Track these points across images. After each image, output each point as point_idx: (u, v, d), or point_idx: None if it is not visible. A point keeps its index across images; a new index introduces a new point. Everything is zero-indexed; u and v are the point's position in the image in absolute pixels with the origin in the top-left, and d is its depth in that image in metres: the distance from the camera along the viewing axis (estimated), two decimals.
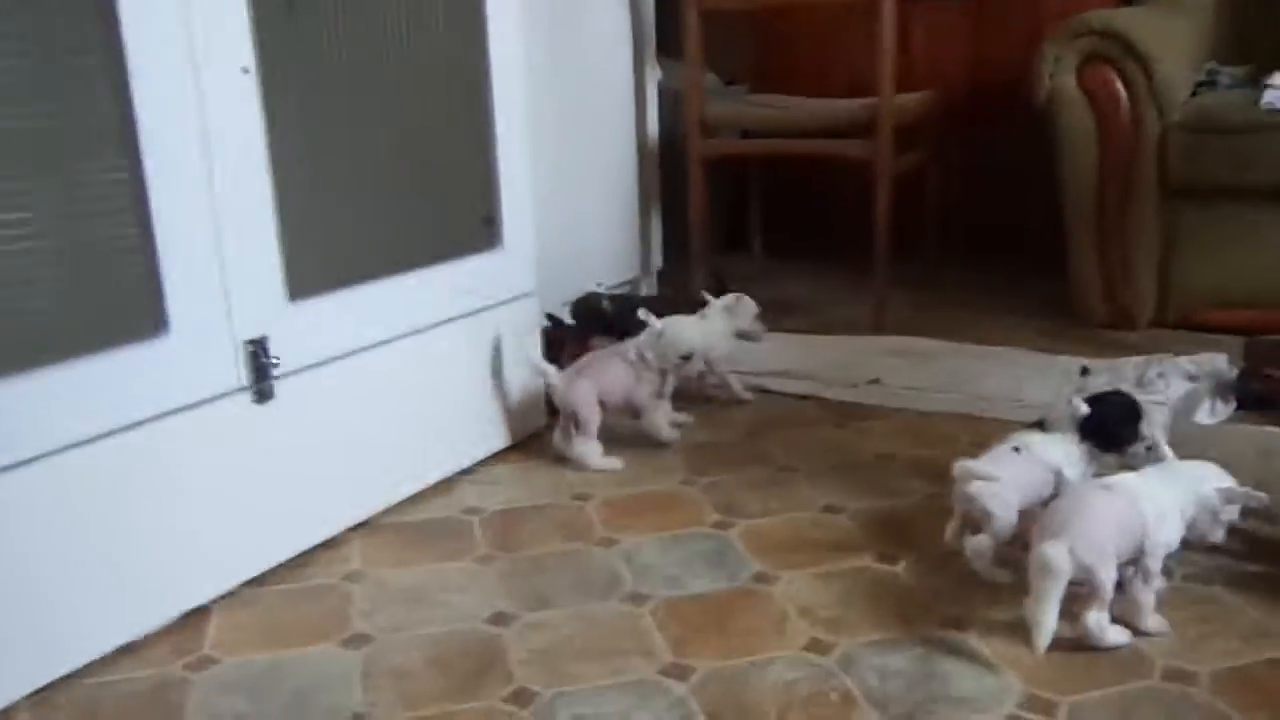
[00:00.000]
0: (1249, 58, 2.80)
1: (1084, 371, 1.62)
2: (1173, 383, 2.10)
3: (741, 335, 2.22)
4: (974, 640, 1.33)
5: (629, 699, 1.24)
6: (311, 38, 1.58)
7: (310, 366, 1.58)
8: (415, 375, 1.79)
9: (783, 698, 1.23)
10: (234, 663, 1.35)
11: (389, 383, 1.74)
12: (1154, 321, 2.62)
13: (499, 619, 1.43)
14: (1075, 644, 1.30)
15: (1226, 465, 1.42)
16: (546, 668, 1.31)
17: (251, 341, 1.48)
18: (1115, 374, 2.21)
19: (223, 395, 1.46)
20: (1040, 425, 1.60)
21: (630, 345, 1.98)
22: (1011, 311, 2.82)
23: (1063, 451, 1.51)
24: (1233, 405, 2.05)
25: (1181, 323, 2.58)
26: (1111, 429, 1.54)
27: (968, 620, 1.37)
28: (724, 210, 3.70)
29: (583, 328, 2.46)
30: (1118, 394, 1.59)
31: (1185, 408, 1.98)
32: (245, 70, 1.43)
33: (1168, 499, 1.34)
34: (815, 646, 1.33)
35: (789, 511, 1.70)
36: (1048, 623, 1.23)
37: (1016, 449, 1.51)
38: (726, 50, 3.56)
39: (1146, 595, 1.34)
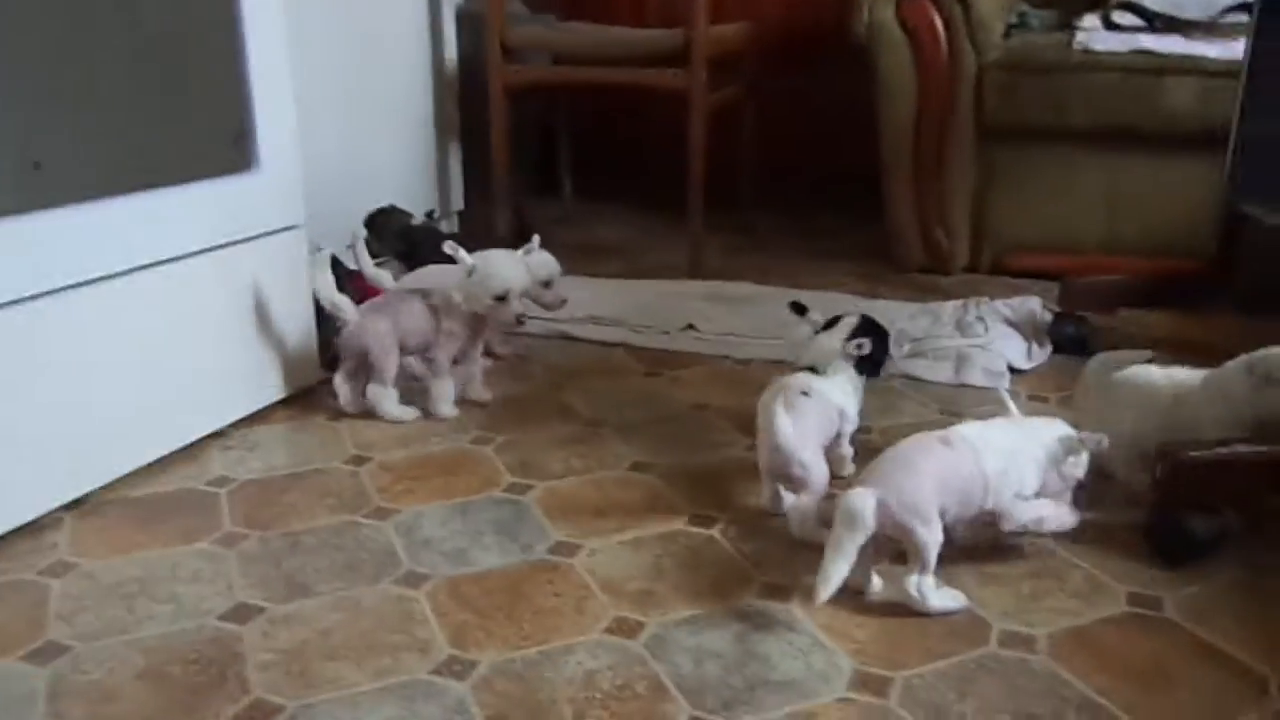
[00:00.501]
0: (1054, 2, 2.78)
1: (799, 310, 1.51)
2: (991, 326, 2.04)
3: (534, 297, 1.87)
4: (798, 612, 1.18)
5: (395, 706, 1.02)
6: None
7: (3, 304, 1.26)
8: (150, 318, 1.48)
9: (582, 693, 1.04)
10: None
11: (115, 327, 1.42)
12: (969, 266, 2.57)
13: (239, 614, 1.17)
14: (906, 610, 1.16)
15: (1139, 410, 1.38)
16: (294, 673, 1.06)
17: None
18: (934, 317, 2.14)
19: None
20: (813, 368, 1.44)
21: (434, 285, 1.73)
22: (829, 256, 2.71)
23: (842, 390, 1.43)
24: (1049, 349, 2.00)
25: (995, 267, 2.54)
26: (880, 358, 1.50)
27: (791, 589, 1.22)
28: (532, 152, 3.46)
29: (379, 246, 2.25)
30: (869, 321, 1.50)
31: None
32: None
33: (1013, 448, 1.22)
34: (621, 628, 1.14)
35: (594, 471, 1.51)
36: (833, 574, 1.11)
37: (805, 394, 1.36)
38: None
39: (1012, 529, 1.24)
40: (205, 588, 1.22)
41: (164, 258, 1.49)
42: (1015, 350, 1.95)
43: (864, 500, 1.12)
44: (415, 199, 2.54)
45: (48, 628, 1.14)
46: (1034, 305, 2.14)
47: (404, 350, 1.70)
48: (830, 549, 1.12)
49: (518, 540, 1.33)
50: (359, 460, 1.55)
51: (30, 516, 1.34)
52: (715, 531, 1.35)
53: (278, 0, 1.63)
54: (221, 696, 1.03)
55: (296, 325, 1.76)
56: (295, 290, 1.75)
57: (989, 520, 1.23)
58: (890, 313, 2.11)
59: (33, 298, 1.30)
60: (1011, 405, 1.29)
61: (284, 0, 1.64)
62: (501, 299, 1.67)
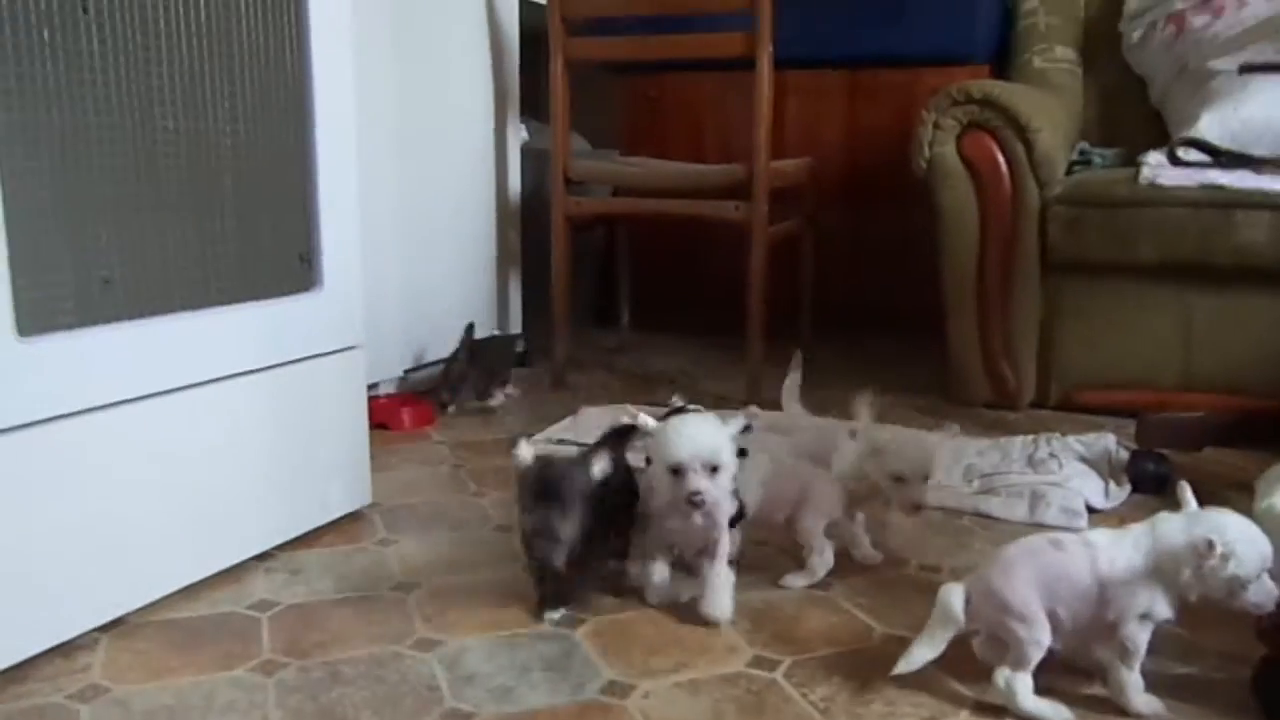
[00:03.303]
0: (1116, 141, 2.78)
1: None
2: (1066, 463, 1.95)
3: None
4: None
5: None
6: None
7: (47, 420, 1.24)
8: (198, 437, 1.46)
9: None
10: None
11: (161, 445, 1.40)
12: (1035, 401, 2.49)
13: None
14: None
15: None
16: None
17: None
18: (1003, 453, 2.06)
19: None
20: None
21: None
22: (889, 389, 2.64)
23: None
24: (1128, 488, 1.90)
25: (1064, 403, 2.46)
26: None
27: None
28: (592, 282, 3.49)
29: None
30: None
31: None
32: None
33: (1136, 558, 1.14)
34: None
35: (646, 605, 1.43)
36: (916, 657, 1.18)
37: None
38: (597, 117, 3.41)
39: (1124, 673, 1.16)
40: (238, 719, 1.15)
41: (221, 375, 1.48)
42: (1093, 489, 1.85)
43: (953, 594, 1.15)
44: (476, 324, 2.55)
45: None
46: (1109, 443, 2.05)
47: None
48: (922, 634, 1.18)
49: (568, 679, 1.25)
50: (406, 588, 1.50)
51: (65, 637, 1.30)
52: (778, 675, 1.26)
53: (350, 127, 1.67)
54: None
55: (349, 447, 1.73)
56: (350, 411, 1.73)
57: (1107, 634, 1.15)
58: (958, 447, 2.04)
59: (84, 412, 1.29)
60: (1190, 498, 1.19)
61: (355, 126, 1.68)
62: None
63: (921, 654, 1.17)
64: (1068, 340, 2.44)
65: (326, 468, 1.69)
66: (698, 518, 1.34)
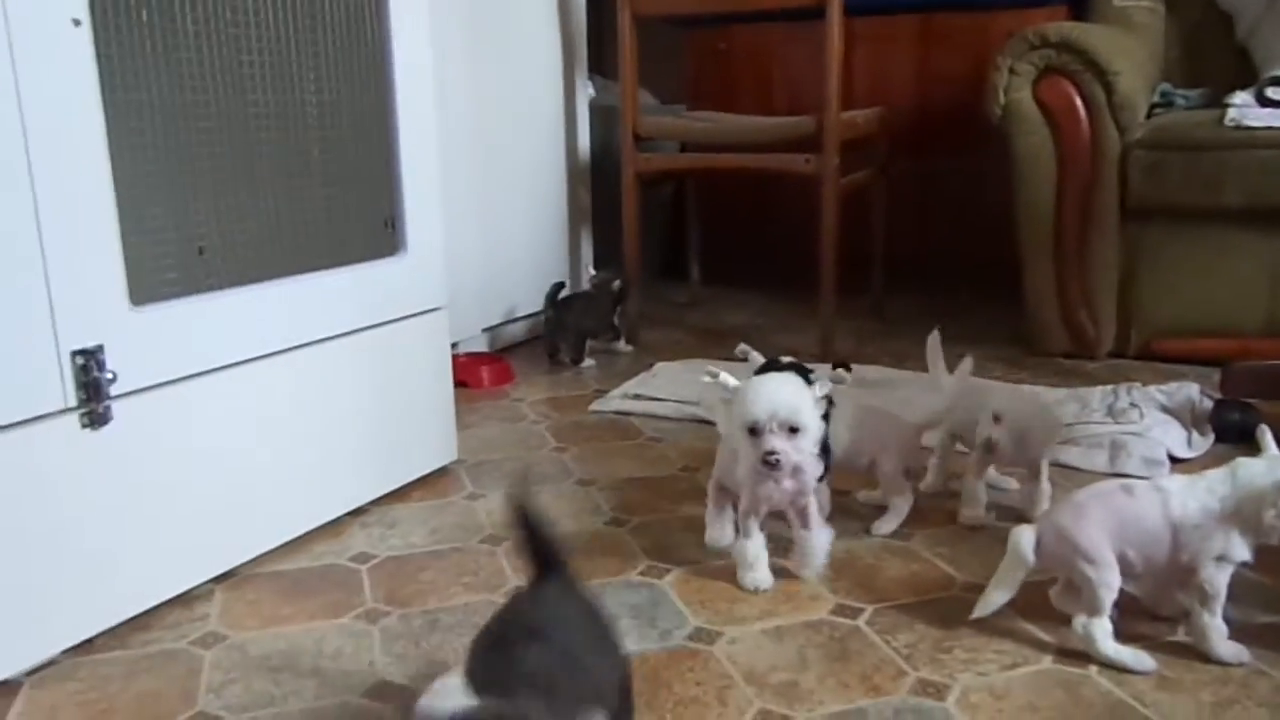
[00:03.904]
0: (1199, 81, 2.70)
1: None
2: (1147, 413, 1.93)
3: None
4: (955, 710, 1.10)
5: None
6: None
7: (159, 385, 1.32)
8: (296, 398, 1.53)
9: None
10: None
11: (263, 406, 1.47)
12: (1114, 351, 2.46)
13: (380, 692, 1.17)
14: (1077, 716, 1.08)
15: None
16: None
17: (81, 352, 1.21)
18: (1082, 403, 2.05)
19: (44, 417, 1.19)
20: None
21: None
22: (965, 340, 2.62)
23: None
24: (1211, 437, 1.88)
25: (1144, 351, 2.43)
26: None
27: (947, 687, 1.15)
28: (661, 237, 3.51)
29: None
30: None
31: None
32: (76, 22, 1.18)
33: (1211, 501, 1.14)
34: (766, 718, 1.10)
35: (729, 556, 1.47)
36: (993, 599, 1.22)
37: None
38: (664, 72, 3.40)
39: (1206, 618, 1.17)
40: (348, 663, 1.23)
41: (314, 338, 1.55)
42: (1175, 438, 1.84)
43: (1024, 536, 1.18)
44: (548, 282, 2.59)
45: (199, 699, 1.16)
46: (1192, 392, 2.03)
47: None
48: (996, 577, 1.22)
49: (656, 626, 1.30)
50: (495, 540, 1.56)
51: (183, 588, 1.38)
52: (861, 621, 1.29)
53: (429, 94, 1.71)
54: None
55: (435, 405, 1.79)
56: (436, 370, 1.79)
57: (1184, 578, 1.17)
58: (1036, 397, 2.03)
59: (191, 377, 1.36)
60: (1270, 443, 1.19)
61: (433, 93, 1.72)
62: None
63: (997, 597, 1.20)
64: (1148, 288, 2.40)
65: (415, 425, 1.75)
66: (781, 481, 1.33)
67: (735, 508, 1.44)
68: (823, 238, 2.49)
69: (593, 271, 2.83)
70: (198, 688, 1.18)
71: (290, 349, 1.51)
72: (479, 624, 1.27)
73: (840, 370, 1.85)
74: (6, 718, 1.12)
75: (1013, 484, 1.67)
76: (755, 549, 1.39)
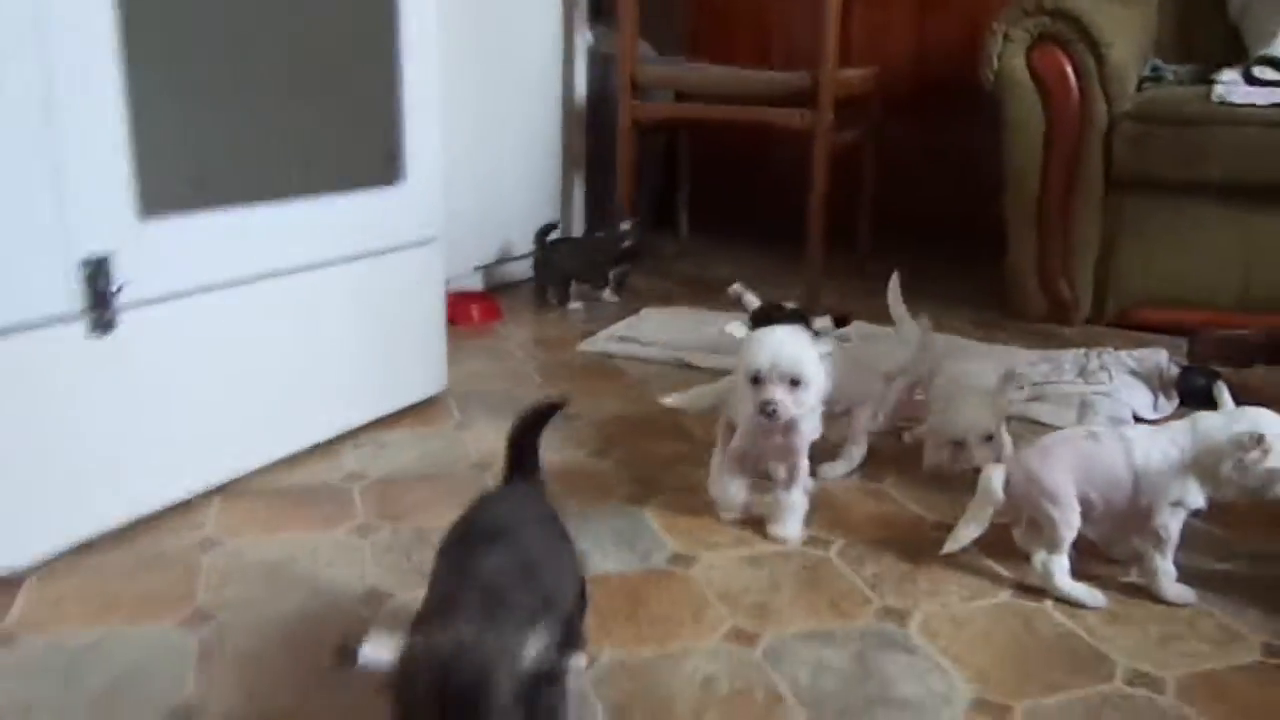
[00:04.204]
0: (1190, 57, 2.74)
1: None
2: (1116, 375, 2.00)
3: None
4: (917, 636, 1.17)
5: None
6: None
7: (164, 298, 1.35)
8: (294, 320, 1.56)
9: (699, 694, 1.06)
10: (41, 643, 1.11)
11: (262, 326, 1.51)
12: (1091, 318, 2.52)
13: (371, 599, 1.22)
14: (1030, 644, 1.15)
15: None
16: None
17: (90, 260, 1.24)
18: (1054, 364, 2.11)
19: (52, 321, 1.23)
20: None
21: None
22: (946, 301, 2.69)
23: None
24: (1176, 401, 1.95)
25: (1119, 319, 2.49)
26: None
27: (909, 613, 1.21)
28: (651, 188, 3.53)
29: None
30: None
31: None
32: None
33: (1172, 451, 1.21)
34: (739, 637, 1.16)
35: (706, 492, 1.53)
36: (962, 535, 1.28)
37: None
38: (663, 23, 3.40)
39: (1158, 560, 1.24)
40: (339, 572, 1.28)
41: (313, 262, 1.58)
42: (1141, 400, 1.91)
43: (994, 475, 1.25)
44: (539, 223, 2.62)
45: (197, 597, 1.21)
46: (1161, 358, 2.09)
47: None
48: (966, 514, 1.28)
49: (635, 549, 1.35)
50: (482, 467, 1.61)
51: (183, 496, 1.43)
52: (832, 553, 1.36)
53: (432, 27, 1.73)
54: (359, 672, 1.08)
55: (427, 335, 1.84)
56: (429, 301, 1.83)
57: (1140, 523, 1.23)
58: (1009, 357, 2.09)
59: (195, 292, 1.39)
60: (1228, 398, 1.26)
61: (436, 27, 1.74)
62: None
63: (966, 533, 1.27)
64: (1127, 258, 2.46)
65: (407, 353, 1.79)
66: (774, 435, 1.34)
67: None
68: (812, 194, 2.54)
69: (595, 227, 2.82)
70: (196, 588, 1.23)
71: (289, 271, 1.54)
72: None
73: (834, 323, 1.89)
74: (12, 609, 1.17)
75: None
76: (735, 483, 1.42)
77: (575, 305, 2.59)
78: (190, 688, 1.04)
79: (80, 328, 1.25)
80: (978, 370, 1.61)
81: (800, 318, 1.61)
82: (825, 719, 1.02)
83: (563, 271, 2.59)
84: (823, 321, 1.68)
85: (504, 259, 2.76)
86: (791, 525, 1.39)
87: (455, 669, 0.75)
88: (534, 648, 0.77)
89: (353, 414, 1.71)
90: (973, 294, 2.74)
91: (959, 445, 1.50)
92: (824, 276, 2.62)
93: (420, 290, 1.81)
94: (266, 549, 1.33)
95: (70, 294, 1.23)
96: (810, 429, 1.37)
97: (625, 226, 2.61)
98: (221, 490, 1.48)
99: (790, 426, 1.33)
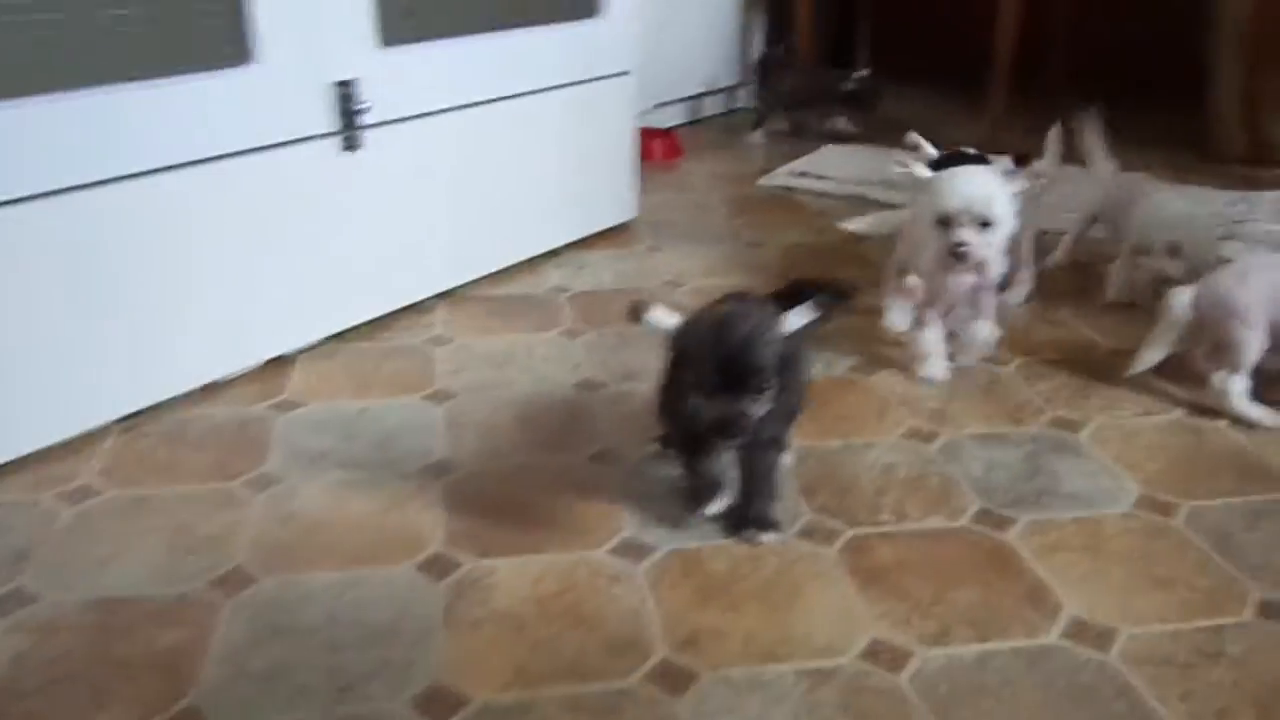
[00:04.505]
0: None
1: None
2: None
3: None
4: (1088, 442, 1.25)
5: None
6: None
7: (401, 119, 1.51)
8: (507, 144, 1.70)
9: (881, 477, 1.18)
10: (317, 407, 1.33)
11: (480, 149, 1.66)
12: None
13: (586, 386, 1.38)
14: (1199, 455, 1.21)
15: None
16: (633, 431, 1.26)
17: (341, 83, 1.40)
18: (1251, 204, 2.05)
19: (311, 137, 1.40)
20: None
21: None
22: (1138, 143, 2.60)
23: None
24: None
25: None
26: None
27: (1081, 423, 1.29)
28: (830, 25, 3.48)
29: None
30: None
31: None
32: None
33: None
34: (917, 434, 1.27)
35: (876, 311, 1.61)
36: (1145, 354, 1.33)
37: None
38: None
39: None
40: (556, 365, 1.45)
41: (523, 90, 1.70)
42: None
43: (1181, 296, 1.28)
44: (718, 67, 2.66)
45: (437, 380, 1.40)
46: None
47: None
48: (1151, 336, 1.33)
49: (820, 359, 1.46)
50: (674, 285, 1.74)
51: (413, 299, 1.62)
52: (1011, 367, 1.43)
53: None
54: (579, 441, 1.25)
55: (620, 163, 1.95)
56: (622, 131, 1.93)
57: None
58: (1204, 196, 2.05)
59: (426, 114, 1.54)
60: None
61: None
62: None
63: (1151, 355, 1.32)
64: None
65: (602, 181, 1.92)
66: (965, 275, 1.30)
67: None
68: (999, 27, 2.47)
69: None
70: (435, 373, 1.42)
71: (503, 98, 1.67)
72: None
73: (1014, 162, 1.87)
74: (289, 381, 1.39)
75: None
76: (933, 340, 1.39)
77: (756, 137, 2.65)
78: (442, 447, 1.23)
79: (335, 145, 1.42)
80: (1173, 198, 1.61)
81: (981, 162, 1.62)
82: (997, 505, 1.13)
83: (782, 100, 2.64)
84: (1002, 162, 1.67)
85: (683, 97, 2.82)
86: (978, 350, 1.42)
87: (730, 325, 0.96)
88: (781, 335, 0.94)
89: (556, 234, 1.85)
90: (1167, 136, 2.64)
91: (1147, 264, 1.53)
92: (1009, 116, 2.57)
93: (615, 121, 1.91)
94: (490, 345, 1.51)
95: (327, 114, 1.40)
96: (998, 267, 1.33)
97: (861, 73, 2.63)
98: (445, 296, 1.66)
99: (980, 267, 1.30)
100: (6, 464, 1.17)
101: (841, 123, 2.68)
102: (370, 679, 0.87)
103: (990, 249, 1.28)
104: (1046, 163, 1.74)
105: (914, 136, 1.74)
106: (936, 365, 1.39)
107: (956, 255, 1.26)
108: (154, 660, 0.89)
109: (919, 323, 1.41)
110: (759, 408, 0.96)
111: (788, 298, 1.07)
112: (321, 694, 0.86)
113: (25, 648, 0.91)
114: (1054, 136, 1.75)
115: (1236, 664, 0.89)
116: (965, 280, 1.34)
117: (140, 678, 0.87)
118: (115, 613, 0.95)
